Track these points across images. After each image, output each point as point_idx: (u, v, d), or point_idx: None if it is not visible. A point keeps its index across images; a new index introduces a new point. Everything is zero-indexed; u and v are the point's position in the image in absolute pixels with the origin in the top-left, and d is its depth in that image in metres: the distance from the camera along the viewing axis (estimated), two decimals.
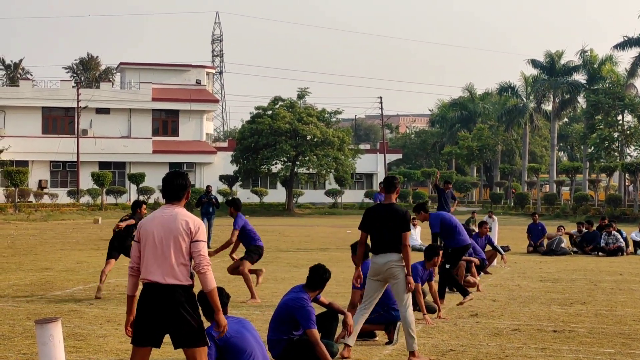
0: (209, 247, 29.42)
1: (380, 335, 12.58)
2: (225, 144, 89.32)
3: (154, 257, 7.71)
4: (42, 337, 7.50)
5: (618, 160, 70.50)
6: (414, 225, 31.73)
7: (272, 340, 10.21)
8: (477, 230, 23.44)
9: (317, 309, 10.62)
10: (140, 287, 7.82)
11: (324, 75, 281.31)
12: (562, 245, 29.27)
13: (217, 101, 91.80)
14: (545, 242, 29.92)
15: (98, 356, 11.09)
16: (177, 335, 7.67)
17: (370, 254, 11.72)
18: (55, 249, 29.37)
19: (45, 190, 71.94)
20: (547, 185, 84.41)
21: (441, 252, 14.83)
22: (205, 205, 30.57)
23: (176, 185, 7.95)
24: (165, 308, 7.60)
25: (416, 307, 13.83)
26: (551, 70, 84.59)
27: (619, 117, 73.91)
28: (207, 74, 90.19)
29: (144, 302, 7.70)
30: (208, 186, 33.08)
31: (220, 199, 55.90)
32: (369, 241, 11.37)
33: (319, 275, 10.45)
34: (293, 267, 23.07)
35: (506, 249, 27.69)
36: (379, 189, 29.72)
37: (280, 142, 66.41)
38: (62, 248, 30.00)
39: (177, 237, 7.69)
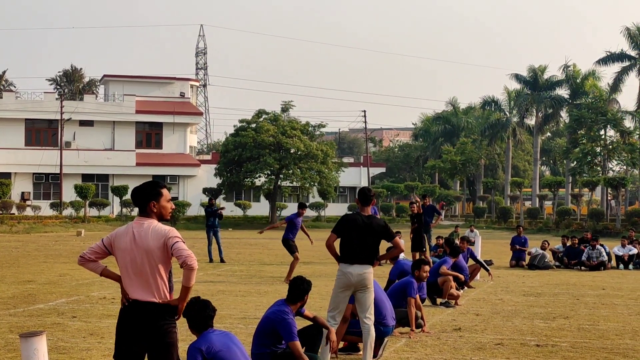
0: (222, 260, 29.50)
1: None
2: (209, 157, 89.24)
3: (129, 274, 7.63)
4: (26, 350, 7.47)
5: (600, 174, 70.77)
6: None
7: (256, 354, 10.19)
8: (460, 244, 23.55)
9: (303, 323, 10.62)
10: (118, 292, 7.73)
11: (307, 88, 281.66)
12: (546, 260, 29.40)
13: (200, 114, 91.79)
14: (527, 257, 30.00)
15: None
16: (152, 352, 7.65)
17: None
18: (38, 262, 29.23)
19: (28, 203, 71.67)
20: (530, 201, 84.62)
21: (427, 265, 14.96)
22: (211, 219, 30.27)
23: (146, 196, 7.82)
24: (144, 324, 7.57)
25: (403, 320, 13.86)
26: (534, 84, 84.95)
27: (602, 132, 74.24)
28: (191, 86, 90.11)
29: (124, 319, 7.68)
30: (211, 199, 32.86)
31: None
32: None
33: (297, 287, 10.43)
34: (277, 281, 23.04)
35: (489, 262, 27.75)
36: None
37: (264, 155, 66.39)
38: (44, 260, 29.85)
39: (150, 252, 7.57)
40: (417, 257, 25.32)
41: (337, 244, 11.06)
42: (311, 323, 10.89)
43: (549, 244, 31.04)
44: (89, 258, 7.79)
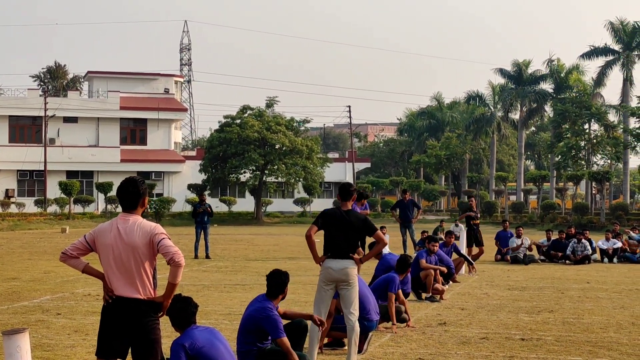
0: (207, 257, 29.42)
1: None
2: (193, 153, 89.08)
3: (113, 271, 7.65)
4: (9, 348, 7.44)
5: (585, 168, 70.93)
6: (383, 233, 31.78)
7: (242, 352, 10.11)
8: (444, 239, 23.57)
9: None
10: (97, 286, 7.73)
11: (292, 84, 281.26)
12: (529, 252, 29.49)
13: (185, 110, 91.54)
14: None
15: None
16: (136, 348, 7.64)
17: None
18: (22, 259, 29.15)
19: (13, 200, 71.40)
20: (514, 196, 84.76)
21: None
22: (200, 215, 30.03)
23: (130, 193, 7.83)
24: (128, 321, 7.56)
25: (387, 315, 13.85)
26: (518, 79, 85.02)
27: (586, 126, 74.41)
28: (176, 82, 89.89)
29: (108, 315, 7.67)
30: (202, 195, 32.64)
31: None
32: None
33: (276, 280, 10.34)
34: (262, 276, 22.93)
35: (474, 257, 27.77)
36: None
37: (248, 151, 66.32)
38: (29, 258, 29.77)
39: (136, 249, 7.60)
40: (472, 252, 25.48)
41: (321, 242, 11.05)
42: (290, 321, 10.84)
43: (522, 229, 30.85)
44: (70, 254, 7.76)
